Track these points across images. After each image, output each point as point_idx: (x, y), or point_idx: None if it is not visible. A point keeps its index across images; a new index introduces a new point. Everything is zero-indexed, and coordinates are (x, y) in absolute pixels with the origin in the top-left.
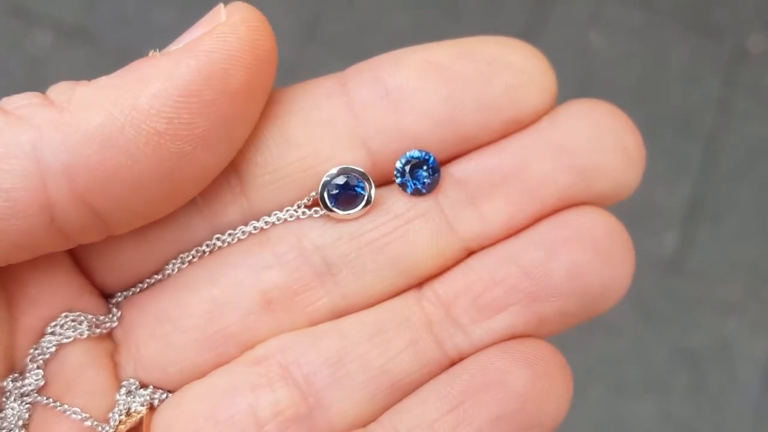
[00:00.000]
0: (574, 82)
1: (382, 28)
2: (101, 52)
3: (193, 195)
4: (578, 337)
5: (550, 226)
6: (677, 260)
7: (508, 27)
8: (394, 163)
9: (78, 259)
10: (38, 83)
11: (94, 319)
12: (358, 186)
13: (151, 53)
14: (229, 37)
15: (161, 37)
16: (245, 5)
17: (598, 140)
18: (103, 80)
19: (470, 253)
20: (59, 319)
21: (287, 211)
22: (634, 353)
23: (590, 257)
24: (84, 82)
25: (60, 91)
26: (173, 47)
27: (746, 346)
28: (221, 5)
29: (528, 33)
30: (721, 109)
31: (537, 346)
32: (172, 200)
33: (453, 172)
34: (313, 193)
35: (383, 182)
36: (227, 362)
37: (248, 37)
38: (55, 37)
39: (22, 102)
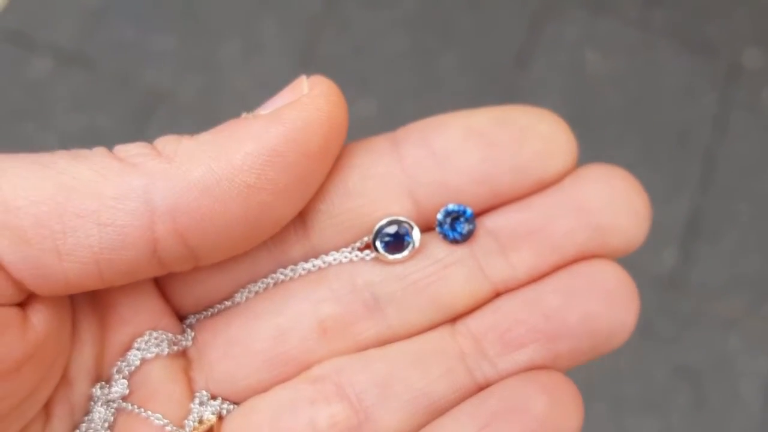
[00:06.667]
0: (570, 101)
1: (378, 51)
2: (101, 76)
3: (269, 237)
4: None
5: (568, 276)
6: (676, 277)
7: (502, 46)
8: (437, 213)
9: (161, 286)
10: (38, 109)
11: (173, 338)
12: (406, 235)
13: (243, 115)
14: (310, 108)
15: (160, 61)
16: (325, 80)
17: (613, 203)
18: (203, 137)
19: (498, 294)
20: (144, 336)
21: (342, 252)
22: (634, 371)
23: (601, 306)
24: (187, 137)
25: (166, 142)
26: (262, 111)
27: (747, 362)
28: (303, 77)
29: (523, 51)
30: (718, 125)
31: (553, 377)
32: (252, 241)
33: (486, 222)
34: (366, 238)
35: (427, 229)
36: (287, 380)
37: (326, 110)
38: (54, 63)
39: (135, 151)
